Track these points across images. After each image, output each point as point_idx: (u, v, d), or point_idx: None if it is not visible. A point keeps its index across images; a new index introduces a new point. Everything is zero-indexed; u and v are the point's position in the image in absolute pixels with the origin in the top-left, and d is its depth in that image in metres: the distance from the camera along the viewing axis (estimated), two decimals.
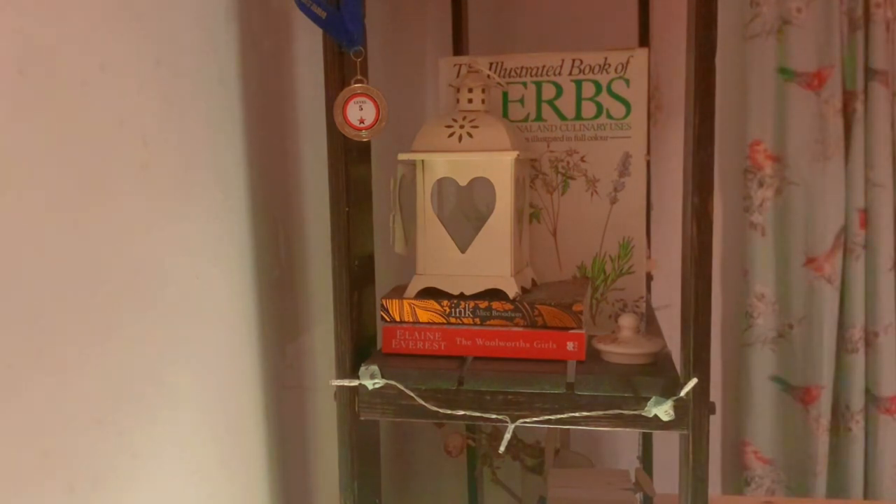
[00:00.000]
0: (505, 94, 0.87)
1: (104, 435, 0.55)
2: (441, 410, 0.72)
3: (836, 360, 1.56)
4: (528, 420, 0.71)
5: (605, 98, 0.85)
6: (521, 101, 0.87)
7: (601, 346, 0.75)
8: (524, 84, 0.86)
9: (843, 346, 1.56)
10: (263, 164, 0.79)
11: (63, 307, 0.51)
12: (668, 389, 0.68)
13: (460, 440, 1.19)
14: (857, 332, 1.54)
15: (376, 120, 0.70)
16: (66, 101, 0.51)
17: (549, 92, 0.86)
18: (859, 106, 1.50)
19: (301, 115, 0.88)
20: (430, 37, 1.43)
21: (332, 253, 0.73)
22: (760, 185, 1.56)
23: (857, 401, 1.55)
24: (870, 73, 1.49)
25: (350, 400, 0.74)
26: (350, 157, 0.72)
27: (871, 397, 1.56)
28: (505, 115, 0.87)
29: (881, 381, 1.55)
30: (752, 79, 1.53)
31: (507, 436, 0.71)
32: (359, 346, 0.76)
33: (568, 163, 0.87)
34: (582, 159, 0.86)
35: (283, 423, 0.84)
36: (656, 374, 0.71)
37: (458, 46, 1.30)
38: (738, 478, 1.64)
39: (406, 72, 1.30)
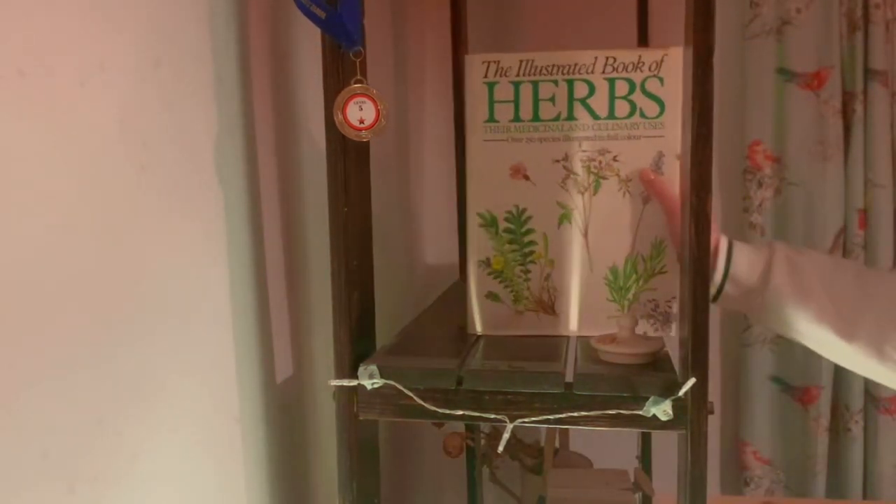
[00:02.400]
0: (536, 92, 0.84)
1: (104, 435, 0.55)
2: (440, 410, 0.72)
3: None
4: (526, 420, 0.71)
5: (638, 97, 0.82)
6: (552, 99, 0.83)
7: (600, 346, 0.75)
8: (555, 82, 0.83)
9: None
10: (263, 164, 0.79)
11: (62, 307, 0.51)
12: (667, 389, 0.68)
13: (459, 440, 1.19)
14: None
15: (376, 120, 0.70)
16: (66, 101, 0.51)
17: (581, 90, 0.83)
18: (859, 106, 1.49)
19: (301, 115, 0.88)
20: (430, 37, 1.43)
21: (330, 253, 0.73)
22: (760, 185, 1.55)
23: (856, 401, 1.55)
24: (869, 73, 1.49)
25: (349, 400, 0.74)
26: (349, 157, 0.72)
27: (870, 397, 1.56)
28: (535, 113, 0.84)
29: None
30: (752, 79, 1.53)
31: (506, 436, 0.71)
32: (358, 346, 0.76)
33: (600, 162, 0.84)
34: (614, 159, 0.84)
35: (282, 422, 0.84)
36: (655, 373, 0.71)
37: (458, 46, 1.30)
38: (737, 478, 1.64)
39: (406, 72, 1.30)
